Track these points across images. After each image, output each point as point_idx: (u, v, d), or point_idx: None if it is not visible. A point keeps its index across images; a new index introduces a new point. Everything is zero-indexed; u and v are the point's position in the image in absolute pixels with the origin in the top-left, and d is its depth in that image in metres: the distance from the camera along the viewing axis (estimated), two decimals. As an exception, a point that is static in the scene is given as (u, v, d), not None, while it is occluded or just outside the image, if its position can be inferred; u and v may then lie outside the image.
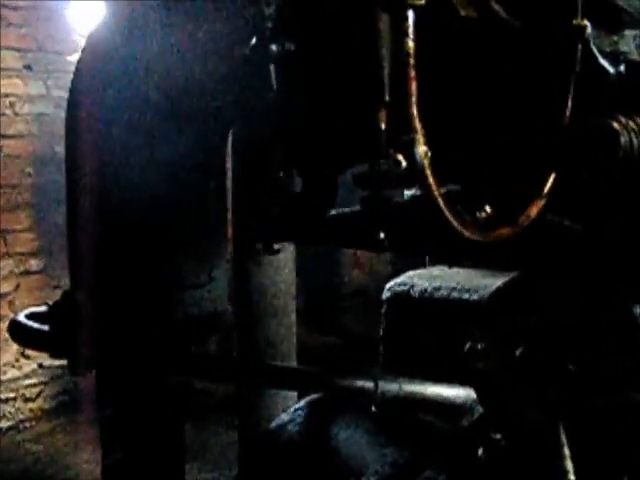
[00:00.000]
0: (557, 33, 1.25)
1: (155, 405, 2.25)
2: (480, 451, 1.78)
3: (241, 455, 2.62)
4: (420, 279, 2.74)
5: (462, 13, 1.27)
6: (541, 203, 1.16)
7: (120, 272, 2.28)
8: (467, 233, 1.03)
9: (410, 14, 0.95)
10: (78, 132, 2.30)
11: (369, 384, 2.14)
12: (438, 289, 2.69)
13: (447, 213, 0.98)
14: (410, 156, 0.93)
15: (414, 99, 0.94)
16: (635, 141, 1.09)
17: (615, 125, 1.10)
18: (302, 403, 2.18)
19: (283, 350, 2.70)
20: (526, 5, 1.33)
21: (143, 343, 2.25)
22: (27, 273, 4.79)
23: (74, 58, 4.81)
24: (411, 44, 0.95)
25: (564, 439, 1.52)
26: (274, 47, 1.06)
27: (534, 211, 1.15)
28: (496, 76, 1.29)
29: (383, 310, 2.85)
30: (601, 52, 1.58)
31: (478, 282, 2.52)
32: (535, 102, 1.22)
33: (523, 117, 1.24)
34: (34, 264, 4.84)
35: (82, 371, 2.21)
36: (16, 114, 4.82)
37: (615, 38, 1.66)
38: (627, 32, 1.73)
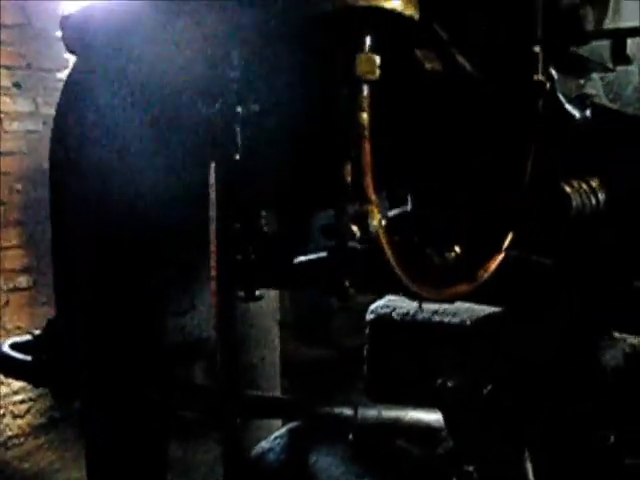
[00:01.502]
0: (518, 88, 1.29)
1: (137, 425, 2.28)
2: (454, 481, 1.82)
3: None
4: (403, 301, 2.77)
5: (427, 67, 1.30)
6: (499, 258, 1.20)
7: (103, 300, 2.31)
8: (423, 293, 1.06)
9: (365, 88, 0.99)
10: (62, 155, 2.34)
11: (348, 411, 2.18)
12: (420, 312, 2.73)
13: (403, 278, 1.02)
14: (365, 226, 0.97)
15: (368, 170, 0.98)
16: (587, 202, 1.13)
17: (567, 189, 1.14)
18: (282, 431, 2.21)
19: (266, 374, 2.72)
20: (490, 59, 1.37)
21: (126, 370, 2.28)
22: (16, 290, 4.81)
23: (64, 75, 4.82)
24: (365, 116, 0.99)
25: (530, 471, 1.57)
26: (239, 109, 1.10)
27: (492, 266, 1.19)
28: (460, 129, 1.33)
29: (366, 332, 2.89)
30: (567, 97, 1.62)
31: (459, 305, 2.55)
32: (496, 158, 1.26)
33: (485, 172, 1.28)
34: (23, 281, 4.86)
35: (64, 400, 2.24)
36: (5, 131, 4.85)
37: (582, 82, 1.70)
38: (594, 75, 1.77)
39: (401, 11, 0.97)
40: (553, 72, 1.57)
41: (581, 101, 1.64)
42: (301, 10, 0.96)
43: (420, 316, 2.73)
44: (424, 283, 1.08)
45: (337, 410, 2.19)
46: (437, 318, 2.69)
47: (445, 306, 2.60)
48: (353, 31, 0.98)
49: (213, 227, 2.27)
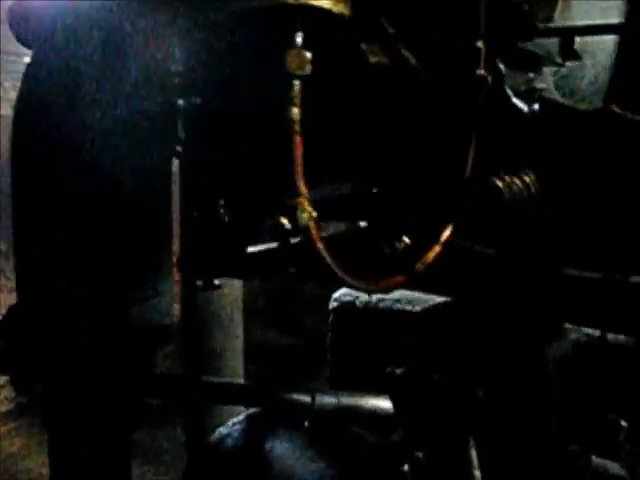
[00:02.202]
0: (461, 82, 1.31)
1: (101, 412, 2.30)
2: (405, 467, 1.86)
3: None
4: (366, 289, 2.78)
5: (371, 60, 1.32)
6: (438, 249, 1.22)
7: (64, 286, 2.31)
8: (355, 283, 1.09)
9: (296, 83, 1.01)
10: (24, 140, 2.34)
11: (306, 398, 2.21)
12: (382, 300, 2.77)
13: (336, 269, 1.04)
14: (295, 219, 0.99)
15: (299, 164, 1.00)
16: (519, 196, 1.16)
17: (499, 183, 1.17)
18: (240, 417, 2.24)
19: (230, 361, 2.75)
20: (434, 53, 1.39)
21: (88, 356, 2.29)
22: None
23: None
24: (296, 111, 1.01)
25: (475, 457, 1.60)
26: (180, 101, 1.12)
27: (430, 257, 1.22)
28: (404, 123, 1.35)
29: (330, 320, 2.92)
30: (515, 91, 1.64)
31: (422, 294, 2.58)
32: (438, 152, 1.28)
33: (427, 165, 1.30)
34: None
35: (24, 388, 2.25)
36: (-28, 116, 4.82)
37: (531, 76, 1.72)
38: (545, 69, 1.80)
39: (330, 8, 0.99)
40: (501, 66, 1.59)
41: (530, 95, 1.66)
42: (232, 5, 0.98)
43: (382, 304, 2.77)
44: (358, 274, 1.11)
45: (295, 397, 2.22)
46: (398, 306, 2.73)
47: (407, 294, 2.64)
48: (283, 27, 1.00)
49: (176, 215, 2.28)
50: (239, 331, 2.85)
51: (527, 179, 1.21)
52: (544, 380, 1.53)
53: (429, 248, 1.22)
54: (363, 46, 1.32)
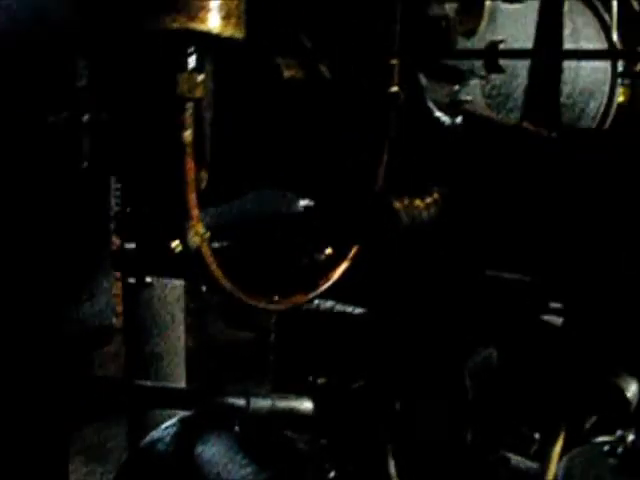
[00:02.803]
0: (375, 98, 1.32)
1: (38, 415, 2.28)
2: (332, 473, 1.88)
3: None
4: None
5: (285, 75, 1.33)
6: (344, 266, 1.23)
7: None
8: (251, 302, 1.09)
9: (188, 106, 1.01)
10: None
11: (241, 401, 2.21)
12: (325, 301, 2.77)
13: (230, 289, 1.04)
14: (185, 242, 1.00)
15: (191, 188, 1.00)
16: (420, 217, 1.18)
17: (397, 205, 1.18)
18: (173, 421, 2.23)
19: (171, 363, 2.75)
20: (350, 69, 1.39)
21: (26, 360, 2.27)
22: None
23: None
24: (188, 134, 1.01)
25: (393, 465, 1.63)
26: (86, 117, 1.11)
27: (336, 274, 1.23)
28: (319, 137, 1.35)
29: (273, 320, 2.92)
30: (439, 104, 1.65)
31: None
32: (350, 168, 1.29)
33: (340, 180, 1.31)
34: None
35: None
36: None
37: (456, 88, 1.72)
38: (472, 81, 1.79)
39: (219, 32, 0.99)
40: (423, 80, 1.60)
41: (453, 108, 1.67)
42: (123, 28, 0.97)
43: (324, 305, 2.77)
44: (255, 293, 1.11)
45: (230, 400, 2.22)
46: (340, 307, 2.73)
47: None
48: (172, 52, 1.00)
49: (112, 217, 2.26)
50: (180, 331, 2.84)
51: (429, 199, 1.22)
52: (460, 393, 1.55)
53: (336, 265, 1.23)
54: (278, 60, 1.32)
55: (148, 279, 1.94)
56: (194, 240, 1.00)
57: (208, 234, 1.02)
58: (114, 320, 2.74)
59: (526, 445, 1.53)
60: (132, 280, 1.99)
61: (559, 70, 1.70)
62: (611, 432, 1.70)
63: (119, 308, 2.64)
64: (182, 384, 2.86)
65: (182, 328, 2.86)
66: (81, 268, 2.43)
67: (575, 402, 1.61)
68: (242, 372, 4.27)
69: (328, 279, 1.23)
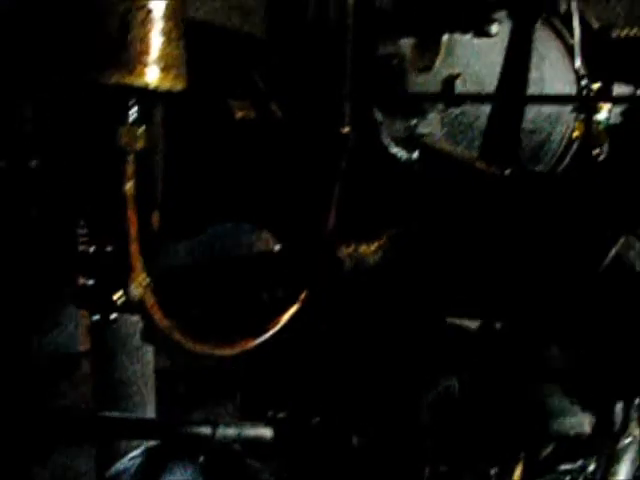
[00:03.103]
0: (325, 139, 1.33)
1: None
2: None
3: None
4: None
5: (237, 116, 1.33)
6: (294, 310, 1.23)
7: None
8: (197, 350, 1.09)
9: (129, 159, 1.01)
10: None
11: (207, 430, 2.19)
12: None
13: (177, 338, 1.04)
14: (127, 294, 1.00)
15: (134, 240, 1.00)
16: (365, 262, 1.18)
17: (341, 251, 1.19)
18: (138, 451, 2.22)
19: (140, 389, 2.72)
20: (302, 110, 1.40)
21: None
22: None
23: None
24: (130, 186, 1.01)
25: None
26: (34, 163, 1.11)
27: (285, 318, 1.23)
28: (271, 177, 1.36)
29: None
30: (395, 139, 1.65)
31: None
32: (301, 209, 1.29)
33: (292, 220, 1.31)
34: None
35: None
36: None
37: (414, 121, 1.72)
38: (430, 114, 1.80)
39: (157, 86, 1.00)
40: (378, 115, 1.61)
41: (410, 142, 1.67)
42: (63, 79, 0.98)
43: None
44: (201, 341, 1.11)
45: (196, 429, 2.21)
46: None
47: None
48: (112, 105, 1.00)
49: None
50: (150, 357, 2.82)
51: (376, 244, 1.23)
52: (418, 426, 1.55)
53: (285, 309, 1.24)
54: (231, 103, 1.33)
55: (113, 315, 1.93)
56: (137, 291, 1.00)
57: (151, 285, 1.02)
58: (81, 347, 2.73)
59: None
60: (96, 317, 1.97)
61: (521, 113, 1.71)
62: (570, 462, 1.71)
63: (86, 335, 2.63)
64: (152, 410, 2.83)
65: (150, 355, 2.83)
66: (46, 301, 2.42)
67: (532, 431, 1.62)
68: (212, 398, 4.24)
69: (277, 323, 1.24)
